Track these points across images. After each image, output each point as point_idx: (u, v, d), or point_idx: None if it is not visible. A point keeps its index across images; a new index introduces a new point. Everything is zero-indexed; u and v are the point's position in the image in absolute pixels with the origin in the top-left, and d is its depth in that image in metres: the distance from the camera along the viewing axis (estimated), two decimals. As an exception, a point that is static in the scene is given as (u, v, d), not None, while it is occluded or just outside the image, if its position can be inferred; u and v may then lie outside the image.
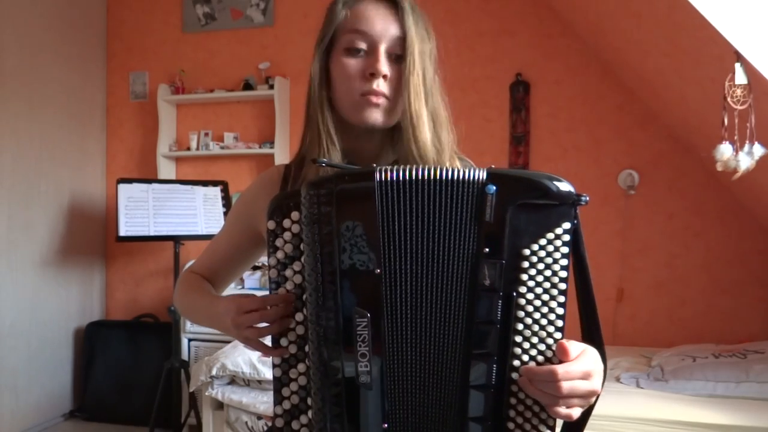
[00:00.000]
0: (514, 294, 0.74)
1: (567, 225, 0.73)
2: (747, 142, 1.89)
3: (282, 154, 3.68)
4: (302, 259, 0.77)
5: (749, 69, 1.84)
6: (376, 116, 0.90)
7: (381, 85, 0.89)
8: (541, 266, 0.74)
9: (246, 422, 2.63)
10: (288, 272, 0.79)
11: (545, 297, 0.74)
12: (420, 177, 0.75)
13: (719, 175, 2.84)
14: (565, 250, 0.74)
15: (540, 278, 0.74)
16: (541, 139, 3.43)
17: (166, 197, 3.40)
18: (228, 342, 3.17)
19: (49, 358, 3.62)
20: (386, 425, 0.76)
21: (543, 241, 0.73)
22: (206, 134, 3.88)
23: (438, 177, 0.75)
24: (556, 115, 3.41)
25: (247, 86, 3.77)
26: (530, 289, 0.74)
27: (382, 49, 0.89)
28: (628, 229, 3.27)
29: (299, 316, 0.79)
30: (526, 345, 0.74)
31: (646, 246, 3.27)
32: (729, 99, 1.86)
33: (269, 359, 0.82)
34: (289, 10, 3.81)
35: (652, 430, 2.22)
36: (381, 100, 0.89)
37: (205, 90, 3.88)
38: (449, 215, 0.75)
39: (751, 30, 1.81)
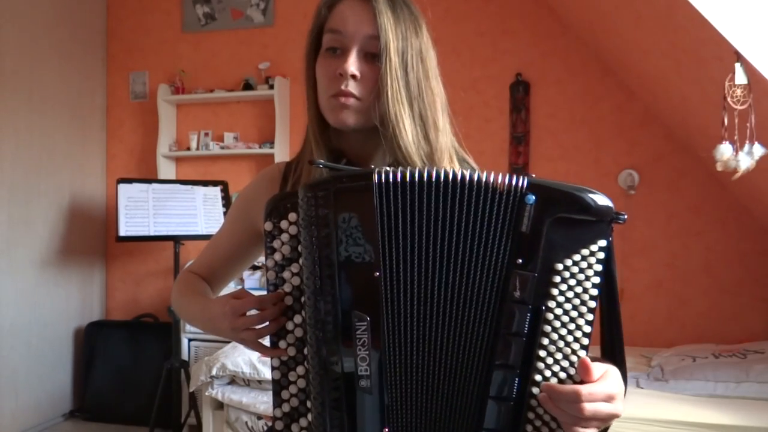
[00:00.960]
0: (543, 308, 0.72)
1: (603, 242, 0.72)
2: (747, 142, 1.89)
3: (282, 154, 3.68)
4: (300, 261, 0.76)
5: (749, 69, 1.84)
6: (344, 118, 0.87)
7: (350, 86, 0.86)
8: (572, 282, 0.73)
9: (246, 422, 2.63)
10: (286, 274, 0.78)
11: (574, 314, 0.73)
12: (430, 180, 0.73)
13: (719, 175, 2.84)
14: (599, 267, 0.73)
15: (570, 294, 0.73)
16: (541, 139, 3.43)
17: (166, 197, 3.40)
18: (228, 342, 3.17)
19: (49, 358, 3.62)
20: (387, 429, 0.75)
21: (577, 257, 0.72)
22: (206, 134, 3.88)
23: (459, 181, 0.73)
24: (556, 115, 3.41)
25: (247, 86, 3.77)
26: (559, 305, 0.73)
27: (354, 48, 0.86)
28: (628, 229, 3.27)
29: (298, 319, 0.78)
30: (550, 360, 0.73)
31: (646, 246, 3.27)
32: (729, 99, 1.86)
33: (269, 359, 0.81)
34: (289, 10, 3.81)
35: (652, 430, 2.22)
36: (350, 101, 0.86)
37: (205, 90, 3.88)
38: (475, 221, 0.73)
39: (751, 30, 1.81)
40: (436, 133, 0.89)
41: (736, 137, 1.90)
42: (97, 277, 4.03)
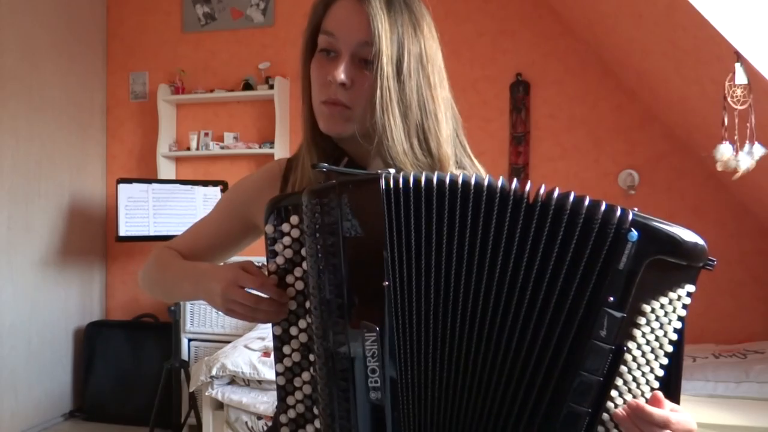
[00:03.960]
0: (624, 349, 0.71)
1: (691, 288, 0.71)
2: (747, 142, 1.89)
3: (282, 154, 3.67)
4: (303, 265, 0.74)
5: (749, 69, 1.83)
6: (332, 126, 0.85)
7: (340, 94, 0.82)
8: (656, 325, 0.71)
9: (246, 422, 2.63)
10: (289, 278, 0.75)
11: (651, 356, 0.71)
12: (443, 186, 0.71)
13: (719, 175, 2.83)
14: (683, 312, 0.71)
15: (651, 337, 0.71)
16: (541, 139, 3.43)
17: (166, 197, 3.40)
18: (228, 342, 3.17)
19: (49, 358, 3.62)
20: None
21: (665, 300, 0.71)
22: (206, 134, 3.88)
23: (492, 191, 0.71)
24: (556, 115, 3.41)
25: (247, 86, 3.77)
26: (639, 347, 0.71)
27: (346, 54, 0.82)
28: (628, 229, 3.26)
29: (302, 324, 0.75)
30: (620, 401, 0.72)
31: (646, 246, 3.27)
32: (729, 99, 1.86)
33: (269, 359, 0.79)
34: (289, 10, 3.81)
35: (652, 430, 2.21)
36: (338, 110, 0.83)
37: (205, 90, 3.88)
38: (523, 244, 0.71)
39: (751, 30, 1.81)
40: (438, 144, 0.84)
41: (736, 137, 1.89)
42: (97, 277, 4.03)
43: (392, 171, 0.73)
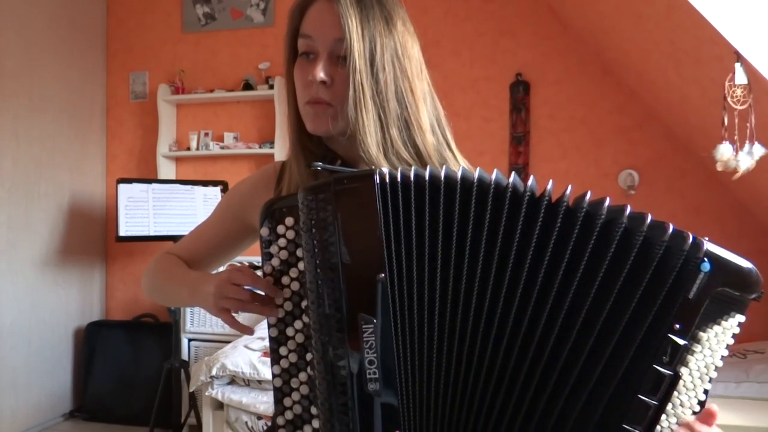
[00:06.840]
0: (680, 375, 0.72)
1: (742, 318, 0.72)
2: (747, 142, 1.89)
3: (282, 154, 3.67)
4: (299, 266, 0.75)
5: (749, 69, 1.83)
6: (318, 125, 0.87)
7: (321, 92, 0.85)
8: (707, 352, 0.72)
9: (246, 422, 2.63)
10: (285, 279, 0.76)
11: (698, 381, 0.73)
12: (436, 181, 0.72)
13: (719, 175, 2.83)
14: (731, 341, 0.73)
15: (701, 363, 0.73)
16: (541, 139, 3.43)
17: (165, 197, 3.40)
18: (228, 342, 3.17)
19: (49, 358, 3.62)
20: None
21: (719, 329, 0.72)
22: (206, 134, 3.88)
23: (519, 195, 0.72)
24: (556, 115, 3.41)
25: (247, 86, 3.77)
26: (690, 372, 0.73)
27: (324, 53, 0.85)
28: (628, 229, 3.26)
29: (298, 324, 0.76)
30: (665, 423, 0.73)
31: (646, 246, 3.26)
32: (729, 99, 1.86)
33: (269, 359, 0.78)
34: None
35: (652, 430, 2.21)
36: (321, 108, 0.86)
37: (205, 90, 3.88)
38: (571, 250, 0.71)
39: (751, 30, 1.81)
40: (422, 134, 0.87)
41: (736, 137, 1.89)
42: (97, 277, 4.03)
43: (386, 169, 0.73)
